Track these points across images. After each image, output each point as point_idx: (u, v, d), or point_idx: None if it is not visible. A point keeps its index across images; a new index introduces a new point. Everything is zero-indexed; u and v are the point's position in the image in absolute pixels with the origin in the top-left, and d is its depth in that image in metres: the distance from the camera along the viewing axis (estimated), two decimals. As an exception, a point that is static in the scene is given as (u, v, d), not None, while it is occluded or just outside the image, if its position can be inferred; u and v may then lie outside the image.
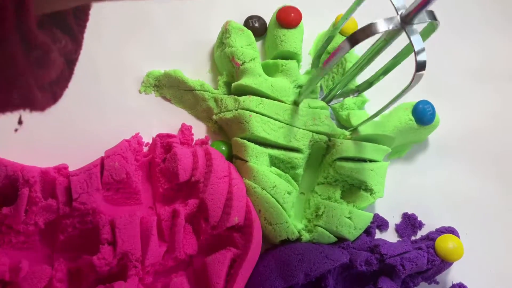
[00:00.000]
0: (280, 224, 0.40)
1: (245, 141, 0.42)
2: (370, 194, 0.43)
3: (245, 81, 0.43)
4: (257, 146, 0.42)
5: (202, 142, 0.45)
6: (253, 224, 0.38)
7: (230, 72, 0.46)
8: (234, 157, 0.44)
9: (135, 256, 0.36)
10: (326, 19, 0.48)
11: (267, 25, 0.49)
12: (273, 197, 0.40)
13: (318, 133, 0.43)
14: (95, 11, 0.53)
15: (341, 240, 0.42)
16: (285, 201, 0.40)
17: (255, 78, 0.43)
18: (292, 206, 0.41)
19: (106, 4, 0.48)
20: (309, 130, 0.43)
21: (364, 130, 0.43)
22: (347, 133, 0.44)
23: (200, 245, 0.39)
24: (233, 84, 0.44)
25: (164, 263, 0.38)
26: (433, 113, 0.43)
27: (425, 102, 0.44)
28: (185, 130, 0.45)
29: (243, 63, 0.44)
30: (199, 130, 0.46)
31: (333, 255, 0.39)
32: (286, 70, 0.44)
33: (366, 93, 0.46)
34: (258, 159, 0.41)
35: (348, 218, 0.41)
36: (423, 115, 0.43)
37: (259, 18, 0.49)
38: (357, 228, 0.42)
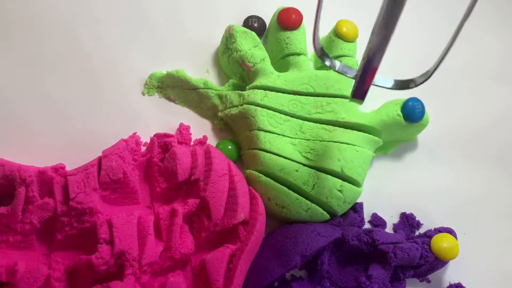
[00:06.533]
0: (292, 203, 0.41)
1: (255, 131, 0.42)
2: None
3: (259, 81, 0.44)
4: (268, 133, 0.42)
5: (200, 142, 0.45)
6: (258, 217, 0.39)
7: (241, 75, 0.46)
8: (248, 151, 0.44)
9: (132, 256, 0.36)
10: (325, 21, 0.48)
11: (266, 25, 0.49)
12: (283, 178, 0.41)
13: (321, 122, 0.43)
14: (95, 13, 0.53)
15: (332, 218, 0.42)
16: (295, 178, 0.41)
17: (268, 77, 0.44)
18: (305, 181, 0.41)
19: (106, 5, 0.49)
20: (313, 119, 0.43)
21: (351, 118, 0.43)
22: (341, 120, 0.43)
23: (199, 243, 0.39)
24: (248, 87, 0.44)
25: (161, 262, 0.38)
26: (422, 111, 0.43)
27: (415, 100, 0.43)
28: (183, 129, 0.45)
29: (254, 65, 0.44)
30: (199, 130, 0.46)
31: (325, 232, 0.39)
32: (296, 62, 0.45)
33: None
34: (272, 144, 0.42)
35: (339, 191, 0.41)
36: (412, 112, 0.43)
37: (258, 18, 0.49)
38: (346, 202, 0.42)
